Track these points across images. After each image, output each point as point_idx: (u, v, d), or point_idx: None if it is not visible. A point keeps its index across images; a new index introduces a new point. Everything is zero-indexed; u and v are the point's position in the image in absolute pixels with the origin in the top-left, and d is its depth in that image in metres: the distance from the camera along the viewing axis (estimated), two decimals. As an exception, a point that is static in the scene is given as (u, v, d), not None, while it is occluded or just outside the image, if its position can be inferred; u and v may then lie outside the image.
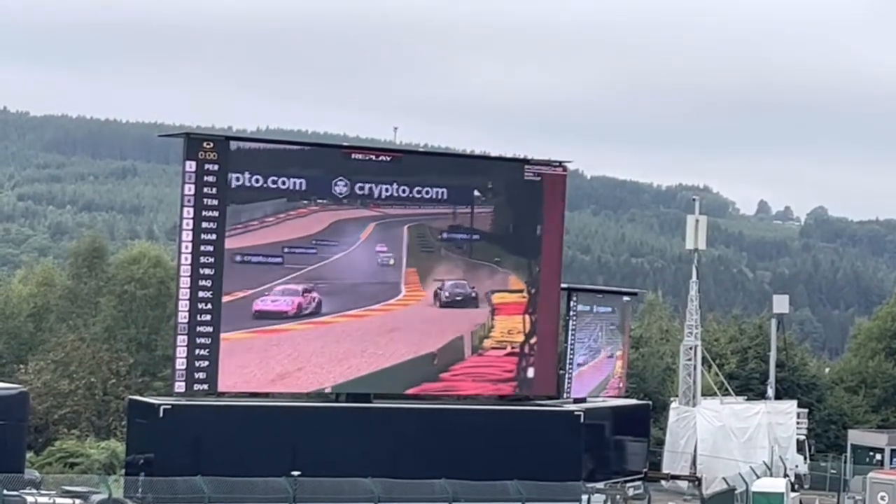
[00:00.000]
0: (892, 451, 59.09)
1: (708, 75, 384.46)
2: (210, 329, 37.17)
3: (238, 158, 37.82)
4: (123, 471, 39.21)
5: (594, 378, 51.53)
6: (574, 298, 50.09)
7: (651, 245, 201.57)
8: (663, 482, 53.18)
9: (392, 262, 39.84)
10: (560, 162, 42.47)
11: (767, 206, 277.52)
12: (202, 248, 37.14)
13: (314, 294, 38.62)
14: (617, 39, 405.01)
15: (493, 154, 58.79)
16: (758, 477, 48.73)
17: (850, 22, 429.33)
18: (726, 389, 58.18)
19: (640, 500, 46.89)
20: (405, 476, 37.12)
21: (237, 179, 37.63)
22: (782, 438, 56.29)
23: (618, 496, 45.79)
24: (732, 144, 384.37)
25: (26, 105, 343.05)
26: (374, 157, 39.95)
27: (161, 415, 36.40)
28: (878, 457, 58.83)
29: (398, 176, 39.77)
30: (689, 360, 55.63)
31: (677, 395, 56.59)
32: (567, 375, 49.10)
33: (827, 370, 73.94)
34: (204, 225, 37.14)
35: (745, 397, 59.82)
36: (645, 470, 51.99)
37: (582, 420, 42.27)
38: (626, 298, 55.73)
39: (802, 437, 58.27)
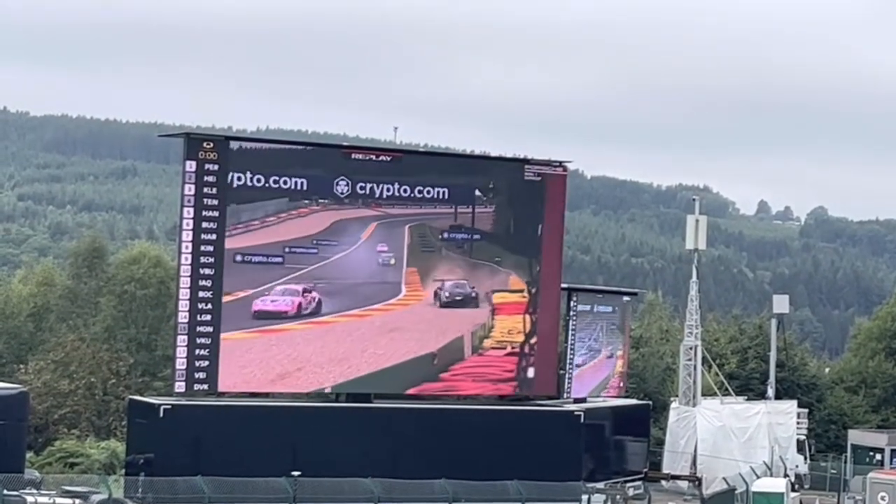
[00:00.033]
0: (892, 451, 59.07)
1: (708, 75, 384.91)
2: (210, 329, 37.17)
3: (239, 158, 37.81)
4: (123, 471, 39.20)
5: (594, 378, 51.51)
6: (574, 298, 50.08)
7: (651, 245, 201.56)
8: (663, 482, 53.16)
9: (393, 261, 39.84)
10: (560, 162, 42.47)
11: (767, 206, 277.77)
12: (202, 248, 37.13)
13: (314, 294, 38.62)
14: (617, 39, 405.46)
15: (493, 154, 58.78)
16: (758, 477, 48.72)
17: (850, 22, 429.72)
18: (726, 389, 58.16)
19: (641, 500, 46.88)
20: (405, 476, 37.11)
21: (238, 179, 37.62)
22: (782, 438, 56.28)
23: (618, 496, 45.77)
24: (732, 144, 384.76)
25: (26, 105, 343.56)
26: (374, 157, 39.95)
27: (161, 415, 36.39)
28: (878, 457, 58.81)
29: (399, 176, 39.79)
30: (690, 360, 55.62)
31: (677, 395, 56.57)
32: (567, 375, 49.09)
33: (827, 370, 73.93)
34: (204, 225, 37.13)
35: (746, 397, 59.79)
36: (645, 470, 51.97)
37: (582, 420, 42.27)
38: (626, 298, 55.71)
39: (802, 437, 58.25)
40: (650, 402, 56.53)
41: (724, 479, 50.29)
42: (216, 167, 37.21)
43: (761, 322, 69.59)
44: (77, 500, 34.61)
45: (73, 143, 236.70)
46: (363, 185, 39.27)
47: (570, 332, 49.64)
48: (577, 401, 47.92)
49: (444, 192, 40.40)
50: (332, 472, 36.41)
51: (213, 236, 37.23)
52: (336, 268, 39.03)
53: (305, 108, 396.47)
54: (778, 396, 59.56)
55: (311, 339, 38.65)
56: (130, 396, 43.47)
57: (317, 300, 38.62)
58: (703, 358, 56.23)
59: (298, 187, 38.46)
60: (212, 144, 37.47)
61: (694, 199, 61.95)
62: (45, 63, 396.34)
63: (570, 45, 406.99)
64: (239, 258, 37.64)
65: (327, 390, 39.32)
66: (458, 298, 40.69)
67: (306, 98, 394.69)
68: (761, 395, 60.24)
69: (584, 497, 41.85)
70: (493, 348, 41.34)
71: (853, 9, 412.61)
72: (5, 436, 35.48)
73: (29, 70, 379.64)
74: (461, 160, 48.17)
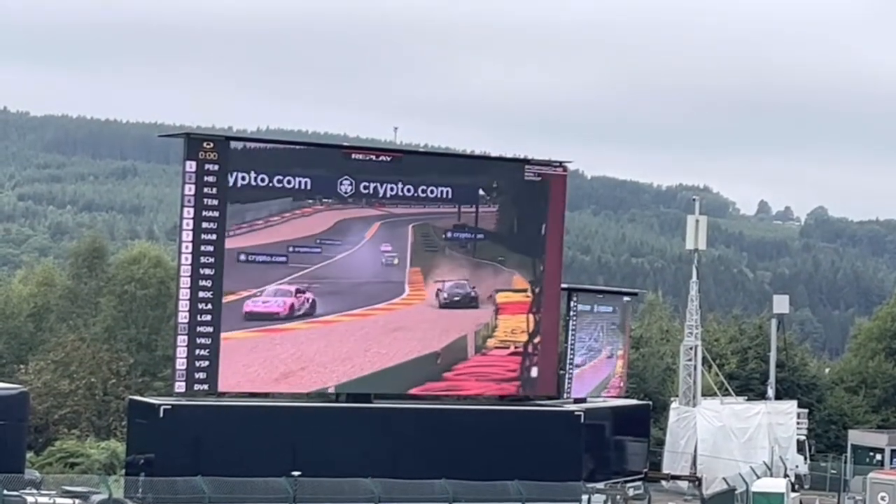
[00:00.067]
0: (893, 451, 59.07)
1: (708, 75, 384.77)
2: (210, 329, 37.16)
3: (242, 158, 37.82)
4: (123, 471, 39.20)
5: (594, 378, 51.51)
6: (574, 298, 50.07)
7: (651, 245, 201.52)
8: (663, 482, 53.15)
9: (396, 261, 39.85)
10: (560, 162, 42.49)
11: (767, 206, 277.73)
12: (202, 248, 37.13)
13: (308, 294, 38.54)
14: (617, 39, 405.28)
15: (493, 154, 58.80)
16: (758, 477, 48.71)
17: (850, 22, 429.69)
18: (726, 390, 58.15)
19: (641, 501, 46.87)
20: (405, 476, 37.12)
21: (243, 178, 37.61)
22: (782, 439, 56.27)
23: (618, 496, 45.77)
24: (732, 144, 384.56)
25: (26, 105, 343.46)
26: (374, 158, 39.95)
27: (161, 415, 36.39)
28: (879, 457, 58.82)
29: (402, 175, 39.78)
30: (690, 360, 55.60)
31: (677, 396, 56.55)
32: (567, 375, 49.08)
33: (827, 370, 73.94)
34: (204, 225, 37.13)
35: (746, 397, 59.79)
36: (645, 470, 51.96)
37: (582, 420, 42.28)
38: (626, 298, 55.69)
39: (803, 438, 58.25)
40: (650, 403, 56.52)
41: (724, 479, 50.27)
42: (216, 167, 37.21)
43: (761, 322, 69.58)
44: (77, 500, 34.61)
45: (74, 143, 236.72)
46: (367, 184, 39.26)
47: (570, 332, 49.63)
48: (577, 401, 47.91)
49: (447, 192, 40.41)
50: (332, 472, 36.41)
51: (214, 236, 37.23)
52: (340, 267, 39.02)
53: (305, 108, 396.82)
54: (778, 397, 59.55)
55: (315, 338, 38.64)
56: (130, 396, 43.48)
57: (311, 301, 38.56)
58: (704, 358, 56.22)
59: (302, 187, 38.46)
60: (212, 144, 37.47)
61: (694, 199, 61.95)
62: (45, 63, 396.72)
63: (570, 45, 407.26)
64: (243, 258, 37.65)
65: (331, 390, 39.30)
66: (455, 299, 40.68)
67: (306, 98, 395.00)
68: (761, 396, 60.24)
69: (585, 497, 41.86)
70: (497, 348, 41.36)
71: (853, 9, 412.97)
72: (5, 436, 35.48)
73: (29, 70, 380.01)
74: (461, 160, 48.15)
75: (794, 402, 58.56)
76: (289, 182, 38.25)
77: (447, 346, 40.55)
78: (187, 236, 37.05)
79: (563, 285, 44.66)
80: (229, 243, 37.39)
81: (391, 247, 39.74)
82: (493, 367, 41.32)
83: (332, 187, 38.80)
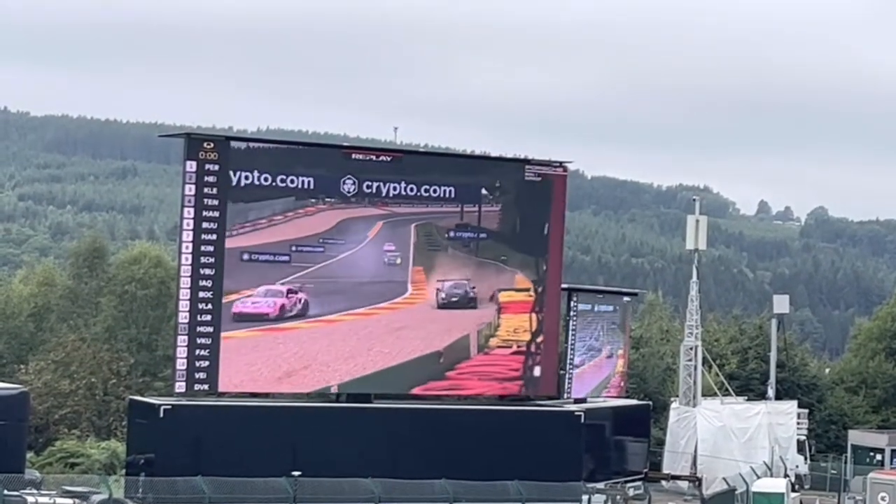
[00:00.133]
0: (893, 451, 59.08)
1: (708, 75, 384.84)
2: (210, 329, 37.15)
3: (245, 157, 37.82)
4: (124, 471, 39.20)
5: (595, 378, 51.51)
6: (574, 298, 50.07)
7: (651, 245, 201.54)
8: (664, 482, 53.15)
9: (399, 260, 39.86)
10: (560, 162, 42.50)
11: (767, 207, 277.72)
12: (203, 248, 37.12)
13: (300, 295, 38.44)
14: (617, 39, 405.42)
15: (494, 154, 58.79)
16: (758, 477, 48.71)
17: (850, 22, 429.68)
18: (727, 390, 58.16)
19: (641, 501, 46.88)
20: (405, 476, 37.11)
21: (246, 178, 37.60)
22: (783, 439, 56.28)
23: (618, 496, 45.78)
24: (732, 144, 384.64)
25: (27, 105, 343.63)
26: (374, 158, 39.95)
27: (161, 415, 36.38)
28: (879, 457, 58.83)
29: (405, 175, 39.77)
30: (690, 360, 55.61)
31: (677, 396, 56.57)
32: (567, 375, 49.08)
33: (827, 370, 73.94)
34: (204, 225, 37.12)
35: (746, 398, 59.80)
36: (645, 470, 51.96)
37: (582, 420, 42.27)
38: (626, 298, 55.70)
39: (803, 438, 58.26)
40: (650, 403, 56.53)
41: (725, 479, 50.27)
42: (216, 167, 37.21)
43: (761, 322, 69.58)
44: (77, 501, 34.61)
45: (74, 143, 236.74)
46: (369, 184, 39.26)
47: (571, 332, 49.63)
48: (577, 401, 47.92)
49: (450, 192, 40.42)
50: (332, 472, 36.41)
51: (214, 236, 37.22)
52: (342, 266, 39.01)
53: (305, 108, 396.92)
54: (778, 397, 59.56)
55: (318, 337, 38.63)
56: (131, 396, 43.47)
57: (303, 301, 38.47)
58: (704, 358, 56.22)
59: (305, 186, 38.45)
60: (212, 144, 37.47)
61: (694, 200, 61.99)
62: (45, 63, 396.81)
63: (570, 45, 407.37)
64: (246, 257, 37.64)
65: (333, 389, 39.27)
66: (454, 300, 40.67)
67: (306, 98, 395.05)
68: (761, 396, 60.25)
69: (585, 497, 41.86)
70: (500, 347, 41.37)
71: (853, 9, 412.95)
72: (6, 436, 35.47)
73: (29, 70, 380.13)
74: (461, 160, 48.14)
75: (795, 403, 58.58)
76: (292, 181, 38.25)
77: (450, 346, 40.55)
78: (187, 236, 37.04)
79: (564, 285, 44.66)
80: (232, 242, 37.37)
81: (394, 246, 39.75)
82: (496, 367, 41.32)
83: (334, 186, 38.80)
